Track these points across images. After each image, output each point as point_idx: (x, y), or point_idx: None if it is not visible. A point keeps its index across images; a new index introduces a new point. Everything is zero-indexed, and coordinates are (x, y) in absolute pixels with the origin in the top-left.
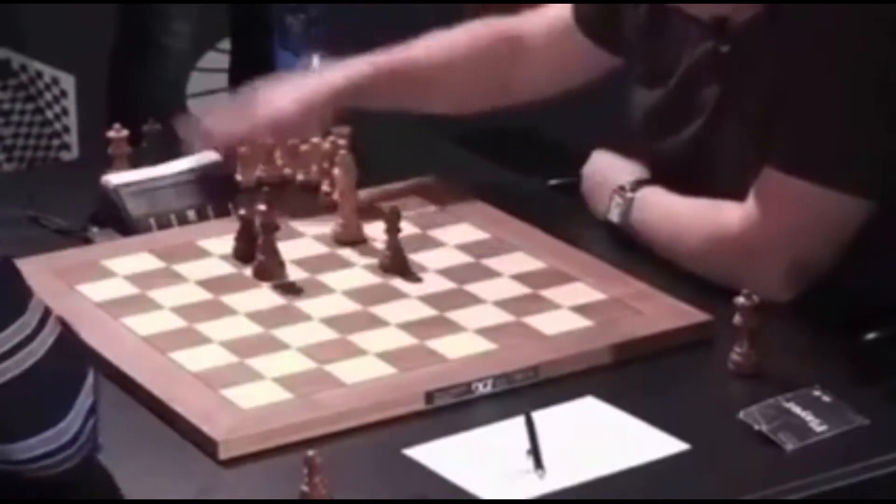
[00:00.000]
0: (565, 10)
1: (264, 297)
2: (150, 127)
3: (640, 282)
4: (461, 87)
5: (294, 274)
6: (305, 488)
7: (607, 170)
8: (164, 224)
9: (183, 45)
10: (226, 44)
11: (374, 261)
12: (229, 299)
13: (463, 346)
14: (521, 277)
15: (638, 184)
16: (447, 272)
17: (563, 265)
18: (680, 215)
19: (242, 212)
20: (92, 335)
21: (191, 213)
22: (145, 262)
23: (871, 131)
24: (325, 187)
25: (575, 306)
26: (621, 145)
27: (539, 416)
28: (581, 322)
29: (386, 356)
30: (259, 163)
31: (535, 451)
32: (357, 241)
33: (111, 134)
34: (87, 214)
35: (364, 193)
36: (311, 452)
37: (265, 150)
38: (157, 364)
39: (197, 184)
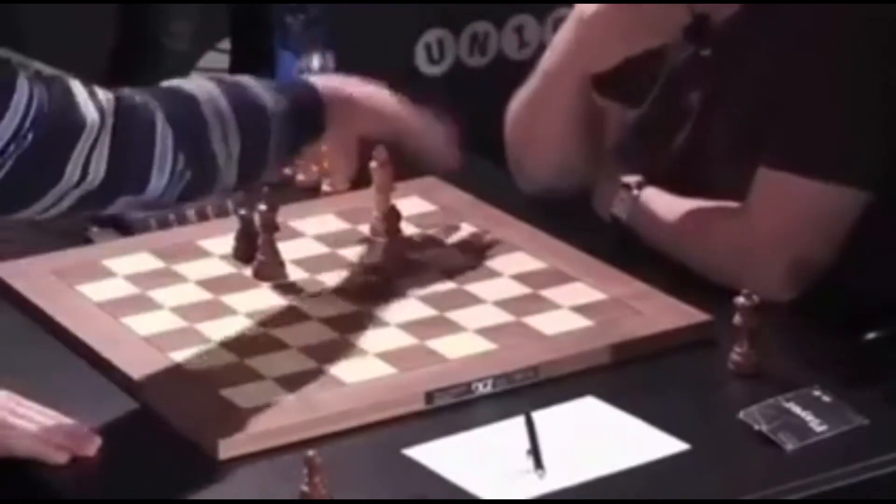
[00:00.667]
0: None
1: (264, 297)
2: None
3: (640, 282)
4: None
5: (294, 274)
6: (305, 488)
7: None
8: (164, 224)
9: (183, 45)
10: (226, 44)
11: (373, 261)
12: (229, 299)
13: (463, 346)
14: (521, 277)
15: (643, 182)
16: (447, 272)
17: (563, 265)
18: (682, 215)
19: (242, 212)
20: (92, 335)
21: (191, 213)
22: (145, 262)
23: (867, 127)
24: (325, 187)
25: (575, 306)
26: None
27: (539, 416)
28: (581, 322)
29: (386, 356)
30: None
31: (535, 451)
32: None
33: None
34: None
35: (364, 193)
36: (311, 452)
37: None
38: (157, 364)
39: None
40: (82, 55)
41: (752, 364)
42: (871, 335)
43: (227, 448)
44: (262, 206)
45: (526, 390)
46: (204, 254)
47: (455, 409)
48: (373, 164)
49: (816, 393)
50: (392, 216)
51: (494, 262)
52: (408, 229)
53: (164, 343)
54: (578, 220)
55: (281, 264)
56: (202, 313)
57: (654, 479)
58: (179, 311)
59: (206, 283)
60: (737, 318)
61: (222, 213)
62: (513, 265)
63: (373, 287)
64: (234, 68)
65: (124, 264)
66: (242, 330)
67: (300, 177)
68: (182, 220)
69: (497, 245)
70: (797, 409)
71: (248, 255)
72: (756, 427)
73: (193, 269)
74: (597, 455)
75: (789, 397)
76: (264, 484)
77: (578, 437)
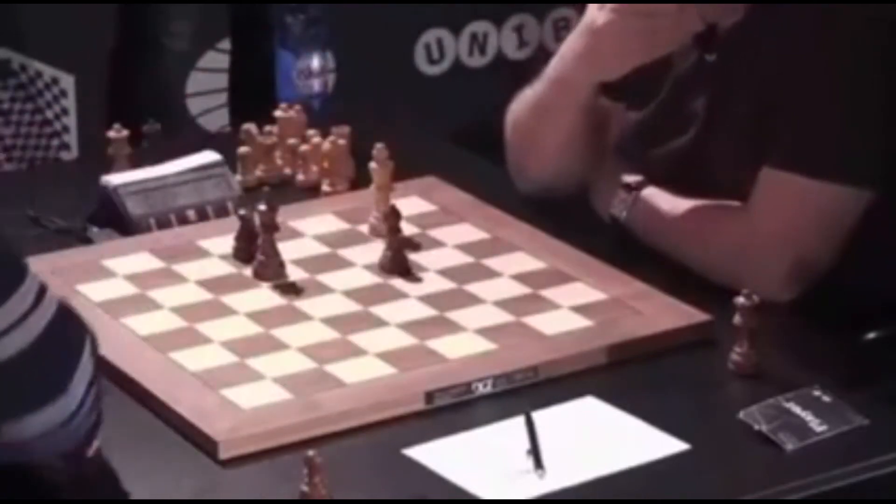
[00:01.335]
0: None
1: (264, 297)
2: (150, 127)
3: (640, 282)
4: None
5: (294, 274)
6: (305, 488)
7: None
8: (164, 224)
9: (183, 45)
10: (226, 44)
11: (374, 261)
12: (229, 299)
13: (463, 346)
14: (521, 277)
15: (643, 182)
16: (447, 272)
17: (563, 265)
18: (682, 215)
19: (242, 212)
20: None
21: (191, 213)
22: (145, 262)
23: (868, 127)
24: (325, 187)
25: (575, 306)
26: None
27: (539, 416)
28: (581, 322)
29: (386, 356)
30: (259, 163)
31: (535, 451)
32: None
33: (111, 134)
34: (87, 214)
35: (364, 193)
36: (311, 452)
37: (265, 150)
38: (157, 364)
39: (197, 184)
40: (82, 55)
41: (752, 364)
42: (871, 335)
43: (228, 448)
44: (262, 206)
45: (526, 390)
46: (204, 254)
47: (455, 409)
48: (372, 164)
49: (816, 393)
50: (392, 216)
51: (494, 262)
52: (408, 229)
53: (164, 343)
54: (578, 220)
55: (281, 264)
56: (202, 313)
57: (654, 479)
58: (179, 311)
59: (206, 283)
60: (737, 318)
61: (222, 213)
62: (513, 265)
63: (373, 286)
64: (234, 68)
65: (124, 264)
66: (242, 330)
67: (300, 177)
68: (182, 220)
69: (497, 245)
70: (797, 409)
71: (248, 255)
72: (756, 427)
73: (193, 269)
74: (597, 455)
75: (789, 397)
76: (264, 484)
77: (578, 437)
